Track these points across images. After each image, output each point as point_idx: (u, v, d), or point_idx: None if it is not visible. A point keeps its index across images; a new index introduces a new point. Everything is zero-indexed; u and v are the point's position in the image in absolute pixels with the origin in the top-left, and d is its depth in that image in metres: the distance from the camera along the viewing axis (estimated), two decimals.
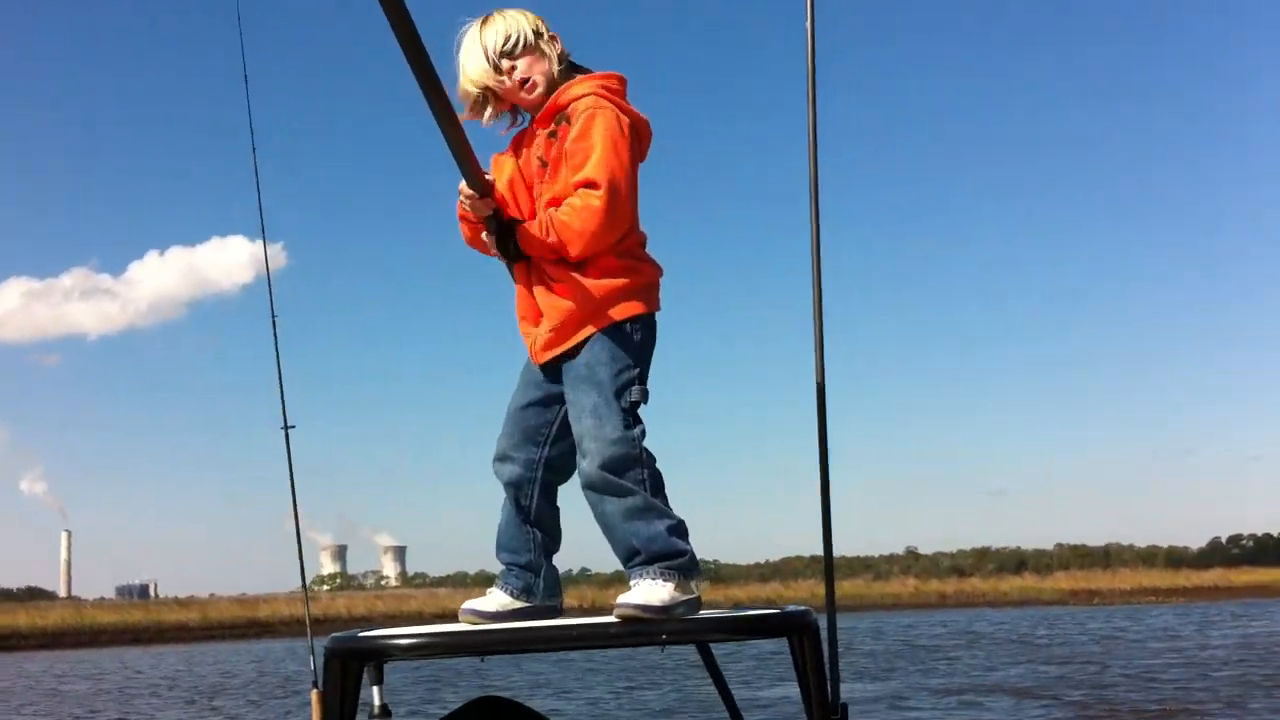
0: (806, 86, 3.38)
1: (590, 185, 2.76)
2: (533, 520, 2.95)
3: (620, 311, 2.82)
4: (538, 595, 2.94)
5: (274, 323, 3.78)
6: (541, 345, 2.89)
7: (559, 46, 2.96)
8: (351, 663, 2.66)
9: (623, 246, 2.84)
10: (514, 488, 2.95)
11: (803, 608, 2.77)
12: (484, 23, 2.95)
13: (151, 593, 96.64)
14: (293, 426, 3.73)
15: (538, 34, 2.93)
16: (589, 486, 2.77)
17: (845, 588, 67.06)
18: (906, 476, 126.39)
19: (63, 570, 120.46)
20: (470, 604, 2.92)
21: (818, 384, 3.36)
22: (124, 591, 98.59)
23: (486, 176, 2.89)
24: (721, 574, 78.32)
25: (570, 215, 2.77)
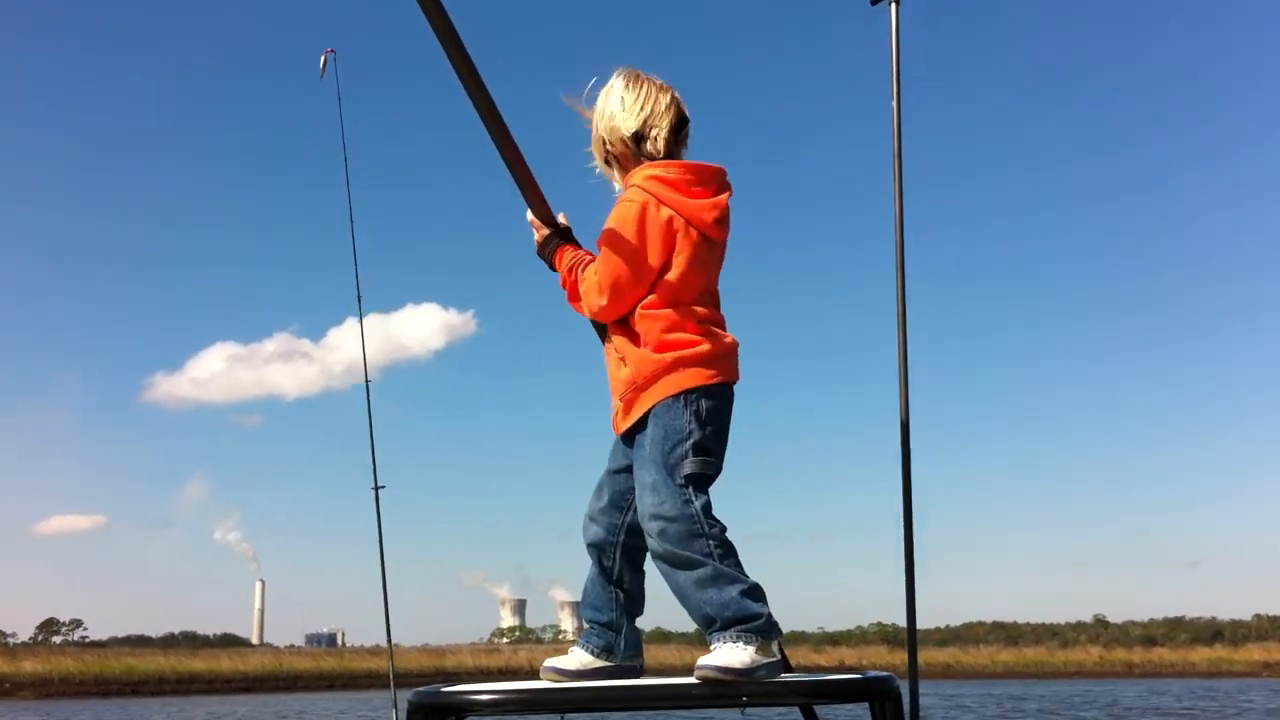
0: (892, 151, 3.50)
1: (598, 267, 2.94)
2: (615, 581, 3.00)
3: (676, 384, 2.86)
4: (619, 654, 2.98)
5: (367, 387, 3.96)
6: (615, 418, 2.99)
7: (664, 128, 3.02)
8: (433, 717, 2.69)
9: (677, 321, 2.89)
10: (597, 549, 3.01)
11: (886, 673, 2.76)
12: (635, 86, 3.04)
13: (339, 641, 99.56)
14: (383, 487, 3.82)
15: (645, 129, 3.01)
16: (658, 559, 2.82)
17: (1028, 655, 65.29)
18: (1098, 544, 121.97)
19: (256, 618, 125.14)
20: (552, 661, 2.97)
21: (902, 422, 3.40)
22: (313, 639, 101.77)
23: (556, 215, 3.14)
24: (900, 637, 76.93)
25: (586, 278, 2.97)
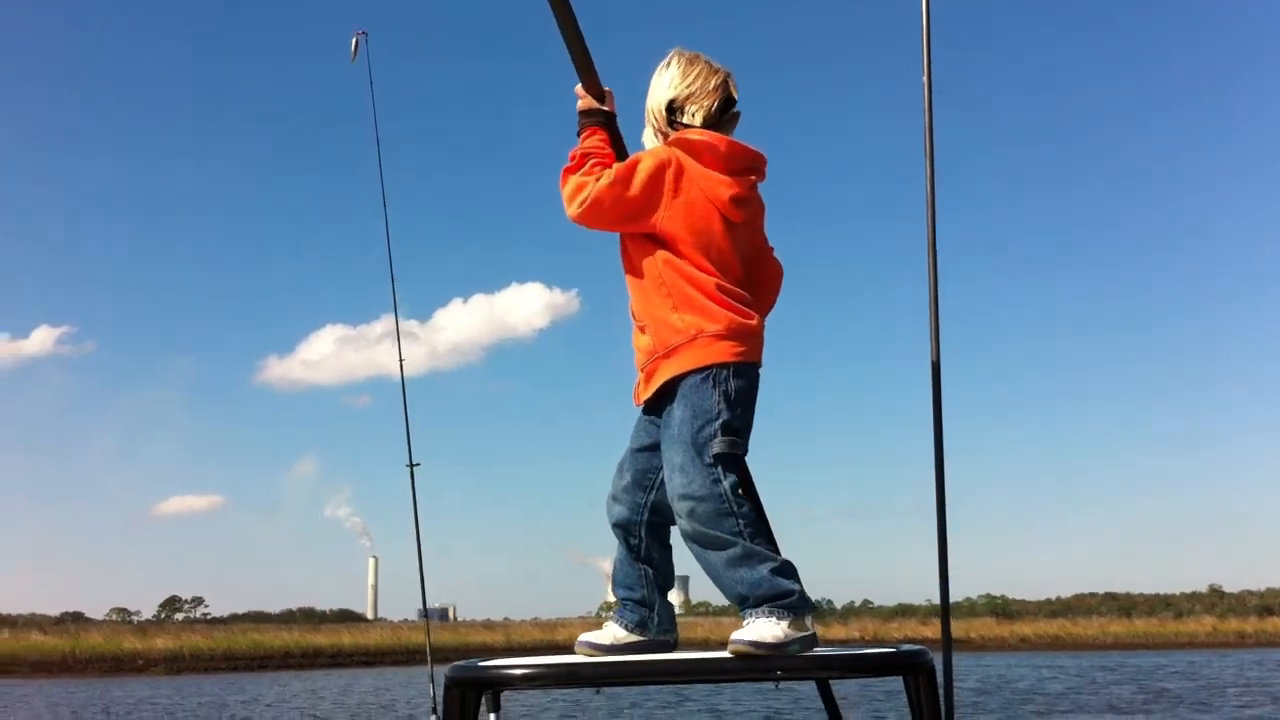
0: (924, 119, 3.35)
1: (601, 178, 2.93)
2: (643, 559, 3.01)
3: (698, 357, 2.84)
4: (652, 630, 2.99)
5: (400, 365, 3.92)
6: (637, 389, 3.01)
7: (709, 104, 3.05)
8: (470, 691, 2.69)
9: (703, 290, 2.88)
10: (622, 529, 3.02)
11: (919, 647, 2.74)
12: (684, 64, 3.08)
13: (450, 616, 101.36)
14: (418, 464, 3.80)
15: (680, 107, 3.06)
16: (689, 539, 2.82)
17: (1138, 626, 64.39)
18: (1211, 513, 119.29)
19: (369, 594, 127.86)
20: (586, 636, 2.98)
21: (933, 373, 3.24)
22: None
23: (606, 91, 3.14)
24: (1009, 609, 76.36)
25: (585, 179, 2.95)
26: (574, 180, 2.97)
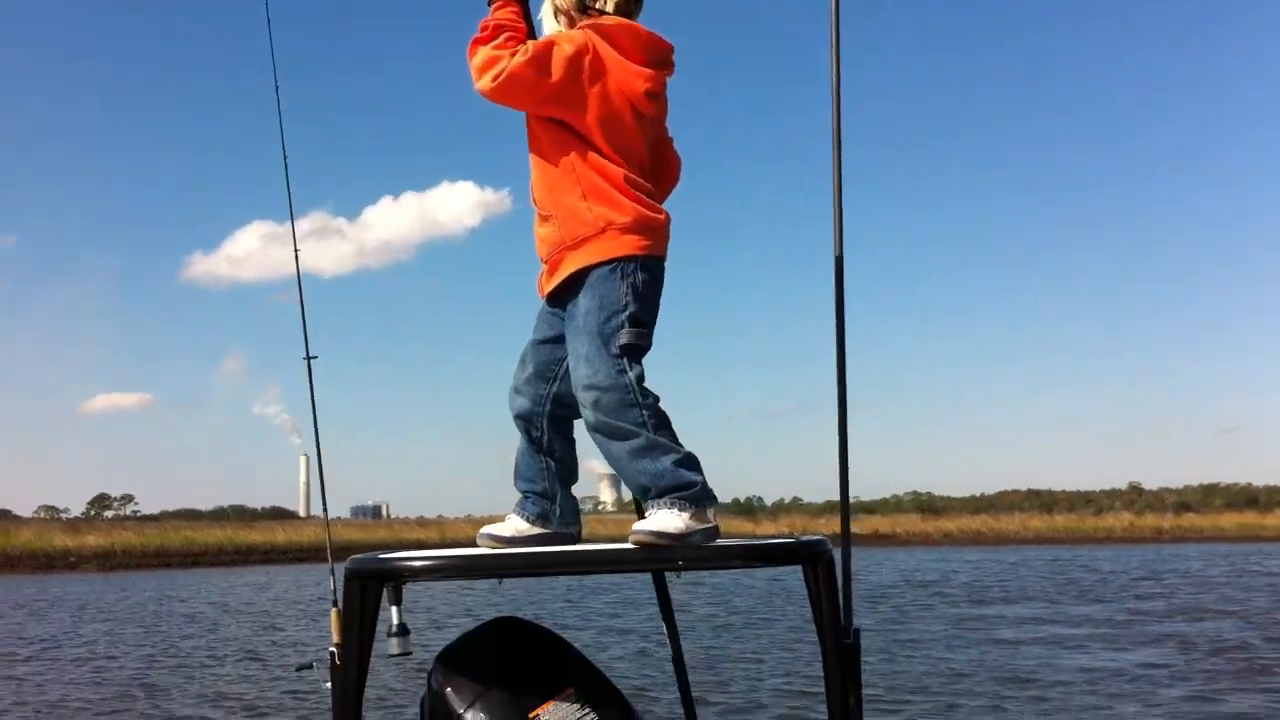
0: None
1: (516, 54, 2.82)
2: (545, 451, 2.98)
3: (607, 249, 2.81)
4: (554, 522, 2.97)
5: (296, 256, 3.80)
6: (541, 280, 2.97)
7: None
8: (370, 583, 2.66)
9: (612, 181, 2.84)
10: (524, 420, 2.99)
11: (819, 537, 2.75)
12: None
13: (383, 513, 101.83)
14: (314, 357, 3.76)
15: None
16: (593, 430, 2.81)
17: (1059, 521, 66.46)
18: (1133, 412, 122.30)
19: (302, 491, 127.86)
20: (487, 529, 2.96)
21: (836, 270, 3.08)
22: (358, 512, 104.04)
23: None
24: (935, 506, 78.28)
25: (498, 53, 2.84)
26: (485, 52, 2.86)
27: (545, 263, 2.92)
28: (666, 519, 2.65)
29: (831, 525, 64.66)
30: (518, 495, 3.01)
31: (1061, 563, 36.73)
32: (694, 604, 21.55)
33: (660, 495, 2.69)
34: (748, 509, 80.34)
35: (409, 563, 2.64)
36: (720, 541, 2.72)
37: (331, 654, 2.74)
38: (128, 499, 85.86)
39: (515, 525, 2.95)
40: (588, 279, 2.82)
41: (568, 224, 2.85)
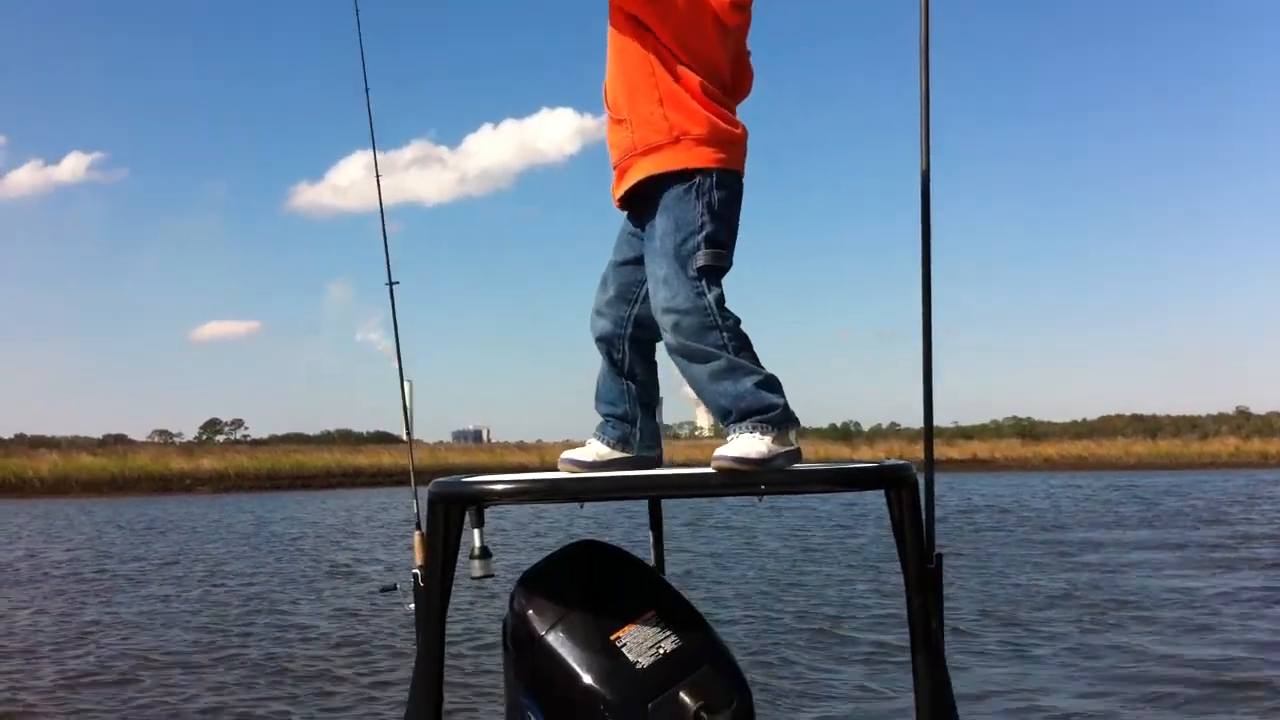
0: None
1: None
2: (626, 374, 2.96)
3: (680, 159, 2.75)
4: (635, 446, 2.94)
5: (379, 186, 3.77)
6: (613, 188, 2.90)
7: None
8: (454, 506, 2.67)
9: (691, 90, 2.77)
10: (605, 343, 2.96)
11: (903, 462, 2.73)
12: None
13: (484, 438, 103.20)
14: (397, 283, 3.73)
15: None
16: (673, 352, 2.77)
17: (1162, 447, 65.19)
18: (1240, 335, 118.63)
19: (403, 415, 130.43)
20: (568, 454, 2.94)
21: (922, 181, 2.99)
22: (459, 436, 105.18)
23: None
24: (1036, 431, 77.28)
25: None
26: None
27: (615, 169, 2.86)
28: (748, 443, 2.62)
29: (968, 449, 64.64)
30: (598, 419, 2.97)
31: (1158, 489, 36.09)
32: (795, 524, 21.64)
33: (741, 418, 2.66)
34: (845, 433, 79.97)
35: (491, 486, 2.64)
36: (802, 466, 2.70)
37: (415, 576, 2.76)
38: (238, 424, 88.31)
39: (596, 450, 2.93)
40: (663, 199, 2.76)
41: (641, 129, 2.78)
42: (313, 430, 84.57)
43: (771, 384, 2.71)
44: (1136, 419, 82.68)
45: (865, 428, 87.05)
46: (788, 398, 2.73)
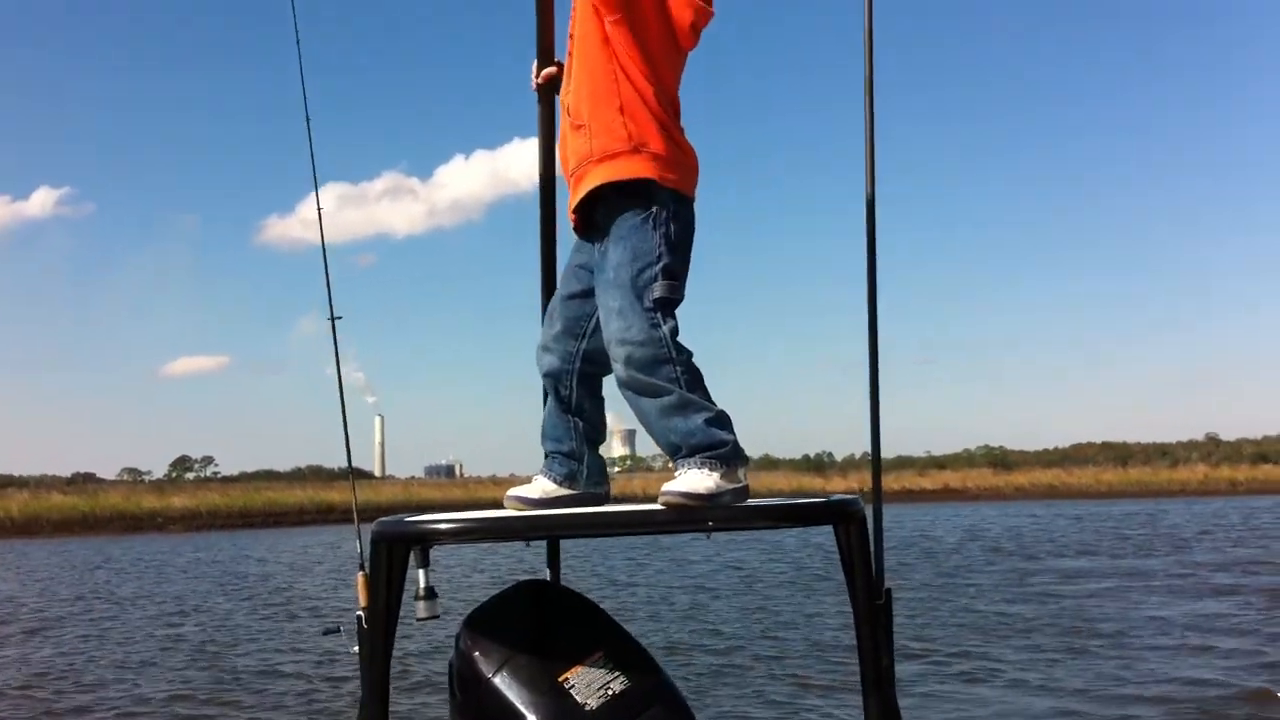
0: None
1: None
2: (573, 410, 2.91)
3: (638, 169, 2.71)
4: (581, 482, 2.90)
5: (319, 214, 3.76)
6: (570, 195, 2.85)
7: None
8: (397, 546, 2.62)
9: (650, 106, 2.74)
10: (552, 379, 2.92)
11: (851, 496, 2.71)
12: None
13: (456, 472, 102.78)
14: (339, 318, 3.73)
15: None
16: (623, 386, 2.72)
17: (1132, 474, 65.49)
18: (1210, 362, 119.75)
19: (376, 451, 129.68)
20: (515, 491, 2.89)
21: (868, 206, 2.90)
22: (432, 471, 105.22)
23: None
24: (1007, 460, 77.45)
25: None
26: None
27: (570, 176, 2.82)
28: (696, 479, 2.59)
29: (901, 481, 64.62)
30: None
31: (1129, 516, 36.28)
32: (746, 559, 21.61)
33: (690, 454, 2.62)
34: (817, 464, 79.97)
35: (434, 526, 2.59)
36: (750, 501, 2.66)
37: (359, 618, 2.71)
38: (208, 460, 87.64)
39: (542, 486, 2.88)
40: (617, 227, 2.73)
41: (600, 136, 2.73)
42: (284, 466, 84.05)
43: (722, 420, 2.66)
44: (1108, 446, 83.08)
45: (839, 458, 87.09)
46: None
